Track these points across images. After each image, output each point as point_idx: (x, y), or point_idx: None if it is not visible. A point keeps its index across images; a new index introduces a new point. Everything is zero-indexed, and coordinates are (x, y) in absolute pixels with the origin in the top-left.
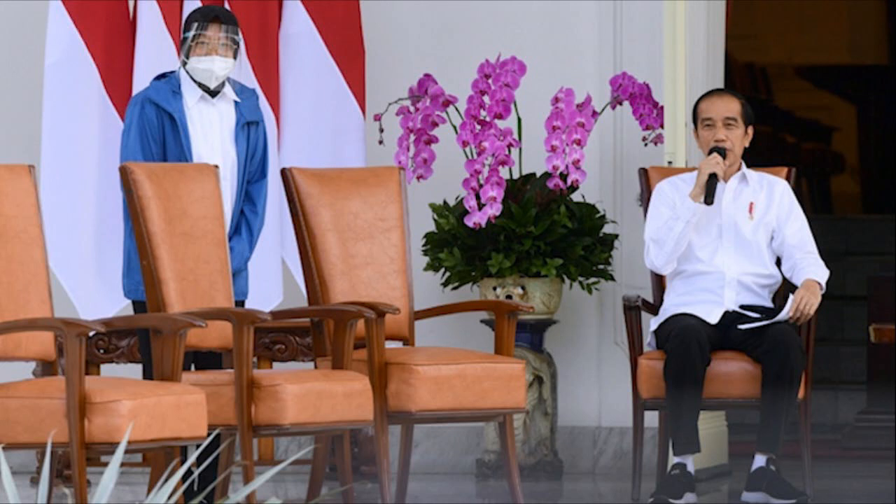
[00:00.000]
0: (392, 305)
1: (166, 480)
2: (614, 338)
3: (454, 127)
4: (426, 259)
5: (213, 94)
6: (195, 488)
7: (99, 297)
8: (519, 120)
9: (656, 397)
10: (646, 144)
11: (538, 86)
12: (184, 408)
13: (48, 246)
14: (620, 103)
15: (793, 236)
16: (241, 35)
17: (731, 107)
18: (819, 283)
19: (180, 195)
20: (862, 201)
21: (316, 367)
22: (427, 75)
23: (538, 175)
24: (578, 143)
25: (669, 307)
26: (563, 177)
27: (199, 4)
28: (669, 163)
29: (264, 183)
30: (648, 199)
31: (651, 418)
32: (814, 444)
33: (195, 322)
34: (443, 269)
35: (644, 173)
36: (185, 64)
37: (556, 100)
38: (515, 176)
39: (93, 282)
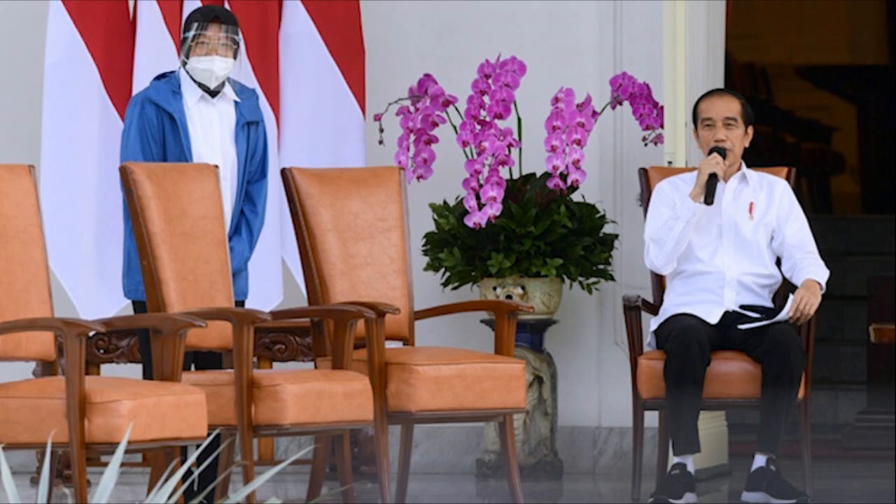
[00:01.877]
0: (392, 305)
1: (166, 480)
2: (614, 338)
3: (454, 127)
4: (426, 259)
5: (213, 94)
6: (195, 488)
7: (99, 297)
8: (519, 120)
9: (656, 397)
10: (646, 144)
11: (538, 86)
12: (184, 408)
13: (48, 246)
14: (620, 103)
15: (793, 236)
16: (241, 35)
17: (731, 107)
18: (819, 283)
19: (180, 195)
20: (862, 201)
21: (316, 367)
22: (427, 75)
23: (538, 175)
24: (578, 143)
25: (669, 307)
26: (563, 177)
27: (199, 4)
28: (669, 163)
29: (264, 183)
30: (648, 199)
31: (651, 418)
32: (814, 444)
33: (195, 322)
34: (443, 269)
35: (644, 173)
36: (185, 64)
37: (556, 100)
38: (515, 176)
39: (93, 282)
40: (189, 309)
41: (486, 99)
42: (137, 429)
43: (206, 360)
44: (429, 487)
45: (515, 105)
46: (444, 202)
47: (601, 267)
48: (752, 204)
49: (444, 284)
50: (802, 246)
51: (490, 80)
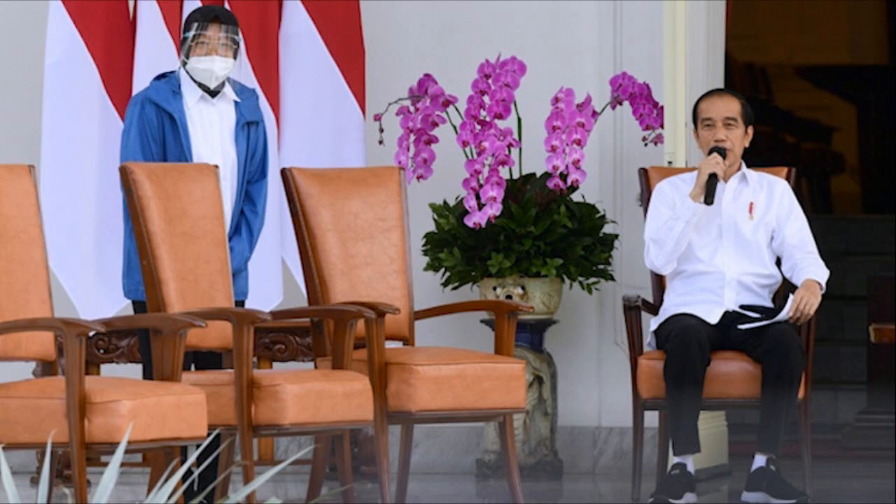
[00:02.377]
0: (392, 305)
1: (166, 480)
2: (614, 338)
3: (454, 127)
4: (426, 259)
5: (213, 94)
6: (195, 488)
7: (99, 297)
8: (519, 120)
9: (656, 397)
10: (646, 144)
11: (538, 86)
12: (184, 408)
13: (48, 246)
14: (620, 103)
15: (793, 236)
16: (241, 35)
17: (731, 107)
18: (819, 283)
19: (180, 195)
20: (862, 201)
21: (316, 367)
22: (427, 75)
23: (538, 175)
24: (578, 143)
25: (669, 307)
26: (563, 177)
27: (199, 4)
28: (669, 163)
29: (264, 183)
30: (648, 199)
31: (651, 418)
32: (814, 444)
33: (195, 322)
34: (443, 269)
35: (644, 173)
36: (185, 64)
37: (556, 100)
38: (515, 176)
39: (93, 282)
40: (189, 309)
41: (486, 99)
42: (137, 429)
43: (206, 360)
44: (429, 487)
45: (515, 105)
46: (444, 202)
47: (601, 267)
48: (752, 204)
49: (444, 284)
50: (802, 246)
51: (490, 80)
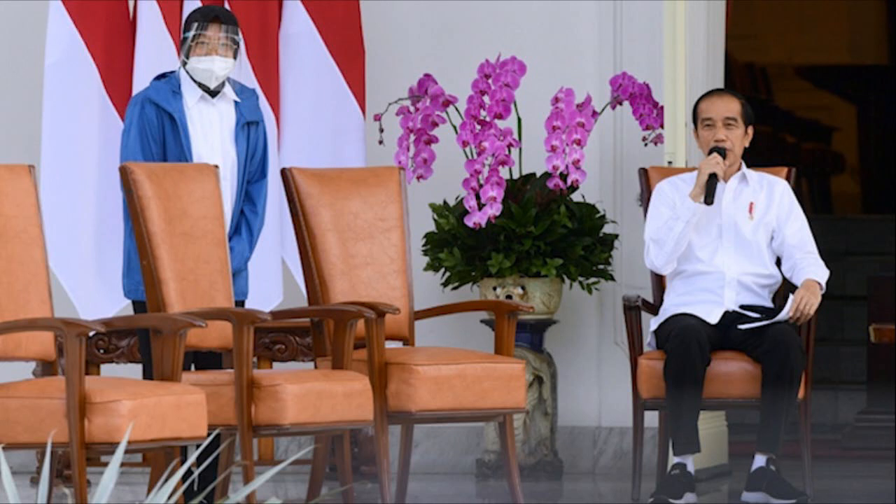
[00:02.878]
0: (392, 305)
1: (166, 480)
2: (614, 338)
3: (454, 127)
4: (426, 259)
5: (213, 94)
6: (195, 488)
7: (99, 297)
8: (519, 120)
9: (656, 397)
10: (646, 144)
11: (538, 86)
12: (184, 408)
13: (48, 246)
14: (620, 103)
15: (793, 236)
16: (241, 35)
17: (731, 107)
18: (819, 283)
19: (180, 195)
20: (862, 201)
21: (316, 367)
22: (427, 75)
23: (538, 175)
24: (578, 143)
25: (669, 307)
26: (563, 177)
27: (199, 4)
28: (669, 163)
29: (264, 183)
30: (648, 199)
31: (651, 418)
32: (814, 444)
33: (195, 322)
34: (443, 269)
35: (644, 173)
36: (185, 64)
37: (556, 100)
38: (515, 176)
39: (93, 282)
40: (189, 309)
41: (486, 99)
42: (137, 429)
43: (206, 360)
44: (429, 487)
45: (515, 105)
46: (444, 202)
47: (601, 267)
48: (752, 204)
49: (444, 284)
50: (802, 246)
51: (490, 80)
